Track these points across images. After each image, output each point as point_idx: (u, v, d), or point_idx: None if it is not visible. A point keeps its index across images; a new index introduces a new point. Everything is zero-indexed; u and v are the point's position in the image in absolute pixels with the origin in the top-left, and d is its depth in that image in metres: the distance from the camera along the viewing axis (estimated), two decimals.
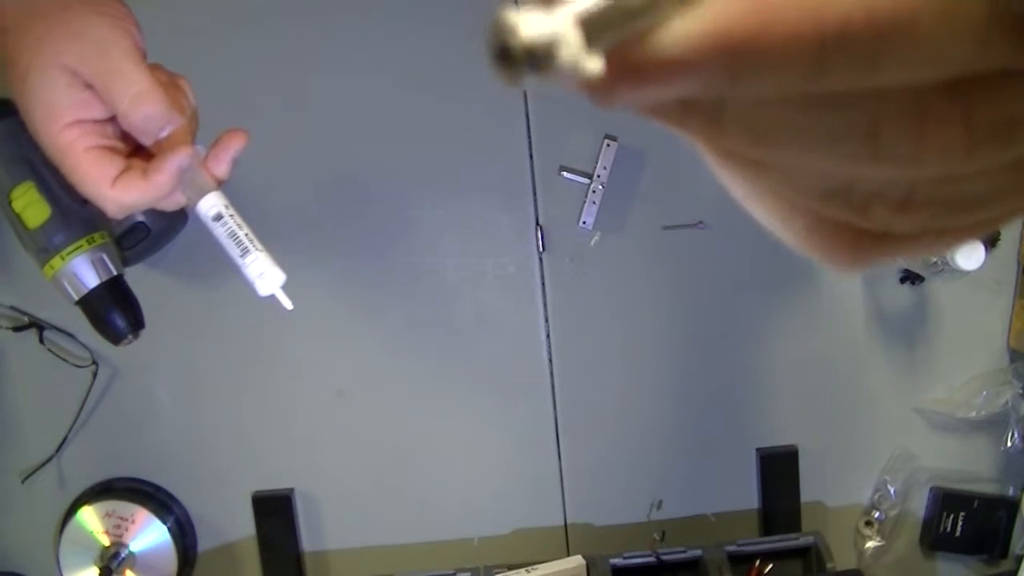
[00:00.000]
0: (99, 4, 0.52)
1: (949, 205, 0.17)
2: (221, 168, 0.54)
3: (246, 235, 0.53)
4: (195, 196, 0.53)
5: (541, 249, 0.88)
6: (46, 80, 0.50)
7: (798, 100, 0.16)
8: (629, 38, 0.14)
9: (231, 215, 0.52)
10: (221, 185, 0.54)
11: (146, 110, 0.51)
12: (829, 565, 0.83)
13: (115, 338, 0.70)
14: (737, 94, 0.15)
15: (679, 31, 0.14)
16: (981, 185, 0.17)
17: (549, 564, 0.85)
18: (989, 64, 0.14)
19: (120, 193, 0.52)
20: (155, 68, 0.54)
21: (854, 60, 0.14)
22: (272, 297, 0.54)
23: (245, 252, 0.53)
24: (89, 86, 0.51)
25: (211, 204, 0.53)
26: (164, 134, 0.53)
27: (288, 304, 0.55)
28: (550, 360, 0.90)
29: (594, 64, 0.14)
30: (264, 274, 0.53)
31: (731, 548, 0.85)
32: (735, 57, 0.14)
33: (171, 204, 0.55)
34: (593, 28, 0.14)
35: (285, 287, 0.54)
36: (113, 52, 0.51)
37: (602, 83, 0.15)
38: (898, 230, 0.18)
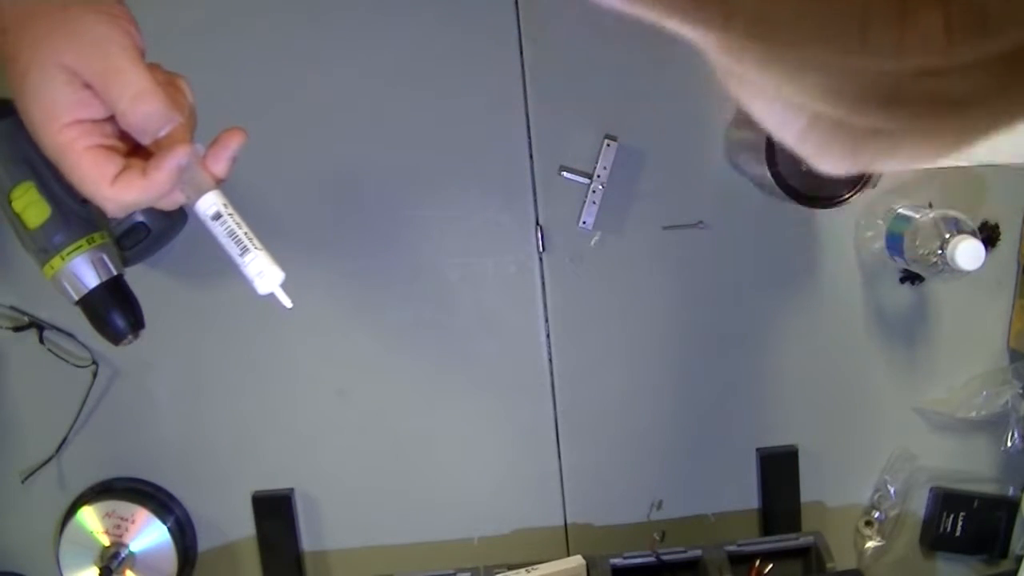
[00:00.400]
0: (98, 4, 0.52)
1: (934, 103, 0.19)
2: (220, 167, 0.54)
3: (245, 234, 0.53)
4: (194, 195, 0.53)
5: (541, 249, 0.88)
6: (45, 79, 0.50)
7: None
8: None
9: (230, 214, 0.52)
10: (220, 184, 0.54)
11: (145, 109, 0.51)
12: (829, 565, 0.83)
13: (115, 338, 0.70)
14: None
15: None
16: (962, 84, 0.18)
17: (549, 564, 0.85)
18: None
19: (120, 192, 0.52)
20: (153, 67, 0.54)
21: None
22: (271, 296, 0.54)
23: (244, 251, 0.53)
24: (88, 85, 0.51)
25: (210, 203, 0.53)
26: (163, 133, 0.53)
27: (288, 303, 0.55)
28: (550, 360, 0.90)
29: None
30: (263, 273, 0.53)
31: (731, 548, 0.85)
32: None
33: (170, 203, 0.55)
34: None
35: (284, 286, 0.54)
36: (112, 51, 0.51)
37: None
38: (888, 127, 0.20)
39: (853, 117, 0.20)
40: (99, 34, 0.51)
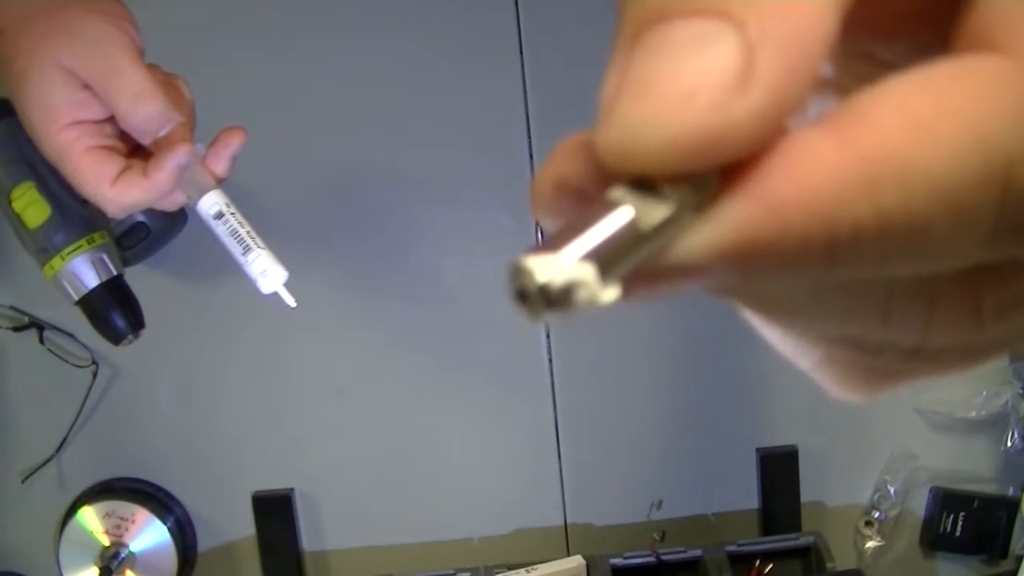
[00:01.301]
0: (97, 3, 0.52)
1: (963, 357, 0.18)
2: (221, 166, 0.55)
3: (248, 233, 0.53)
4: (195, 195, 0.53)
5: None
6: (44, 80, 0.50)
7: (811, 285, 0.16)
8: (644, 261, 0.14)
9: (232, 213, 0.53)
10: (221, 183, 0.54)
11: (145, 110, 0.51)
12: (829, 565, 0.83)
13: (115, 338, 0.70)
14: (749, 287, 0.16)
15: (694, 245, 0.14)
16: (996, 342, 0.17)
17: (549, 564, 0.85)
18: (995, 257, 0.15)
19: (120, 193, 0.52)
20: (152, 67, 0.54)
21: (865, 261, 0.14)
22: (275, 295, 0.54)
23: (247, 250, 0.53)
24: (87, 86, 0.51)
25: (212, 202, 0.53)
26: (163, 133, 0.53)
27: (291, 302, 0.55)
28: (550, 360, 0.90)
29: (611, 294, 0.14)
30: (266, 272, 0.53)
31: (731, 548, 0.85)
32: (748, 261, 0.14)
33: (171, 203, 0.56)
34: (608, 261, 0.14)
35: (287, 285, 0.54)
36: (111, 51, 0.51)
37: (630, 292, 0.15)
38: (911, 372, 0.19)
39: (873, 363, 0.18)
40: (98, 34, 0.51)
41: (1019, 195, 0.13)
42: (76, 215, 0.68)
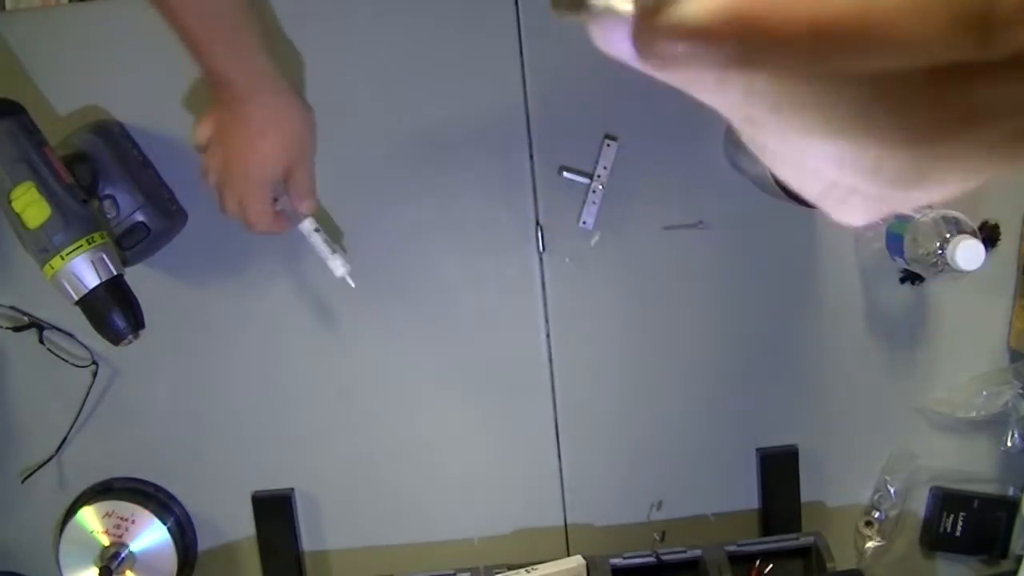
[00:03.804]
0: (299, 98, 0.76)
1: (946, 169, 0.19)
2: (307, 205, 0.79)
3: (326, 240, 0.79)
4: (297, 221, 0.78)
5: (541, 249, 0.88)
6: (273, 144, 0.74)
7: (808, 80, 0.18)
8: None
9: (316, 230, 0.79)
10: (311, 212, 0.79)
11: (309, 202, 0.78)
12: (829, 565, 0.83)
13: (115, 338, 0.70)
14: (752, 68, 0.18)
15: (698, 4, 0.17)
16: (973, 153, 0.19)
17: (549, 564, 0.85)
18: (958, 56, 0.16)
19: (270, 227, 0.76)
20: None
21: (844, 49, 0.16)
22: (343, 280, 0.79)
23: (333, 252, 0.79)
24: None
25: (307, 226, 0.79)
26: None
27: (353, 284, 0.79)
28: (550, 360, 0.90)
29: (624, 4, 0.18)
30: (339, 266, 0.78)
31: (731, 548, 0.85)
32: (744, 32, 0.17)
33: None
34: None
35: (353, 276, 0.79)
36: (308, 152, 0.78)
37: (637, 35, 0.18)
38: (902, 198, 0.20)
39: (870, 186, 0.20)
40: (305, 138, 0.77)
41: None
42: (76, 215, 0.68)
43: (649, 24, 0.18)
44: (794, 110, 0.19)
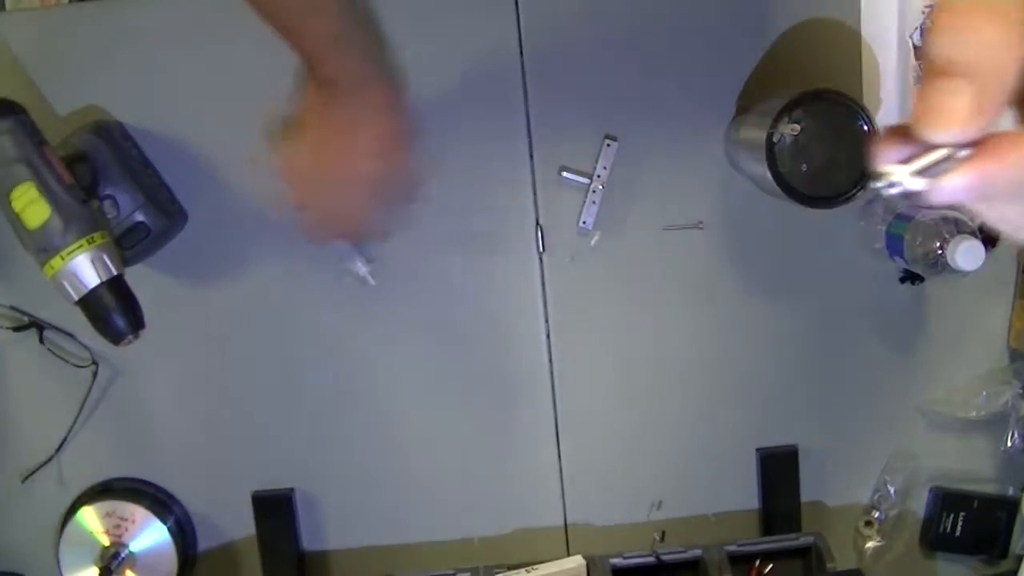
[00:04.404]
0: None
1: None
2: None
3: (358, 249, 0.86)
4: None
5: (541, 249, 0.88)
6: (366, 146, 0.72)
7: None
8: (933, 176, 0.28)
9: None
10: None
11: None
12: (829, 565, 0.83)
13: (115, 338, 0.70)
14: (988, 199, 0.29)
15: (957, 176, 0.28)
16: None
17: (549, 564, 0.85)
18: None
19: (366, 227, 0.82)
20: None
21: None
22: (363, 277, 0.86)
23: (367, 262, 0.86)
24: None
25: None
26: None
27: (372, 282, 0.86)
28: (550, 360, 0.90)
29: (918, 185, 0.28)
30: (361, 264, 0.87)
31: (731, 548, 0.85)
32: (981, 184, 0.27)
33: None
34: (919, 172, 0.28)
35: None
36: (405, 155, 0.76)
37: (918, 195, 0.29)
38: None
39: None
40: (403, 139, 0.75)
41: None
42: (76, 215, 0.68)
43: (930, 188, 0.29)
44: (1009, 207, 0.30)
